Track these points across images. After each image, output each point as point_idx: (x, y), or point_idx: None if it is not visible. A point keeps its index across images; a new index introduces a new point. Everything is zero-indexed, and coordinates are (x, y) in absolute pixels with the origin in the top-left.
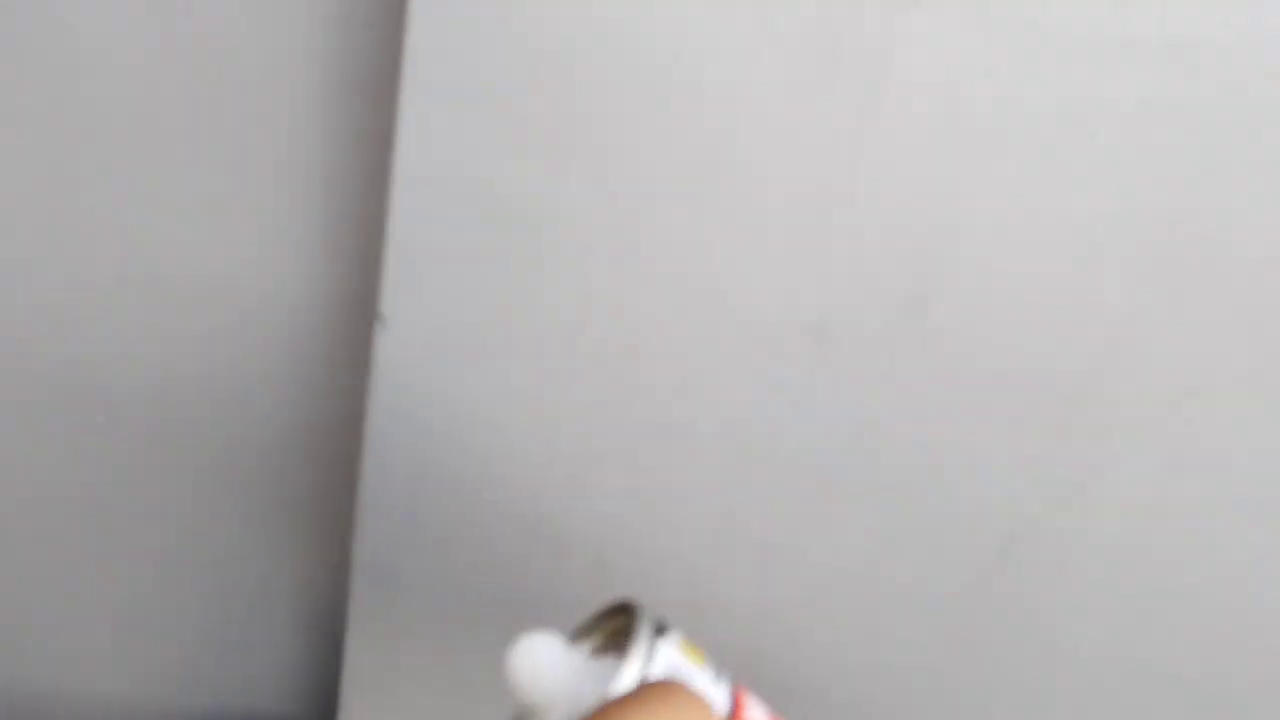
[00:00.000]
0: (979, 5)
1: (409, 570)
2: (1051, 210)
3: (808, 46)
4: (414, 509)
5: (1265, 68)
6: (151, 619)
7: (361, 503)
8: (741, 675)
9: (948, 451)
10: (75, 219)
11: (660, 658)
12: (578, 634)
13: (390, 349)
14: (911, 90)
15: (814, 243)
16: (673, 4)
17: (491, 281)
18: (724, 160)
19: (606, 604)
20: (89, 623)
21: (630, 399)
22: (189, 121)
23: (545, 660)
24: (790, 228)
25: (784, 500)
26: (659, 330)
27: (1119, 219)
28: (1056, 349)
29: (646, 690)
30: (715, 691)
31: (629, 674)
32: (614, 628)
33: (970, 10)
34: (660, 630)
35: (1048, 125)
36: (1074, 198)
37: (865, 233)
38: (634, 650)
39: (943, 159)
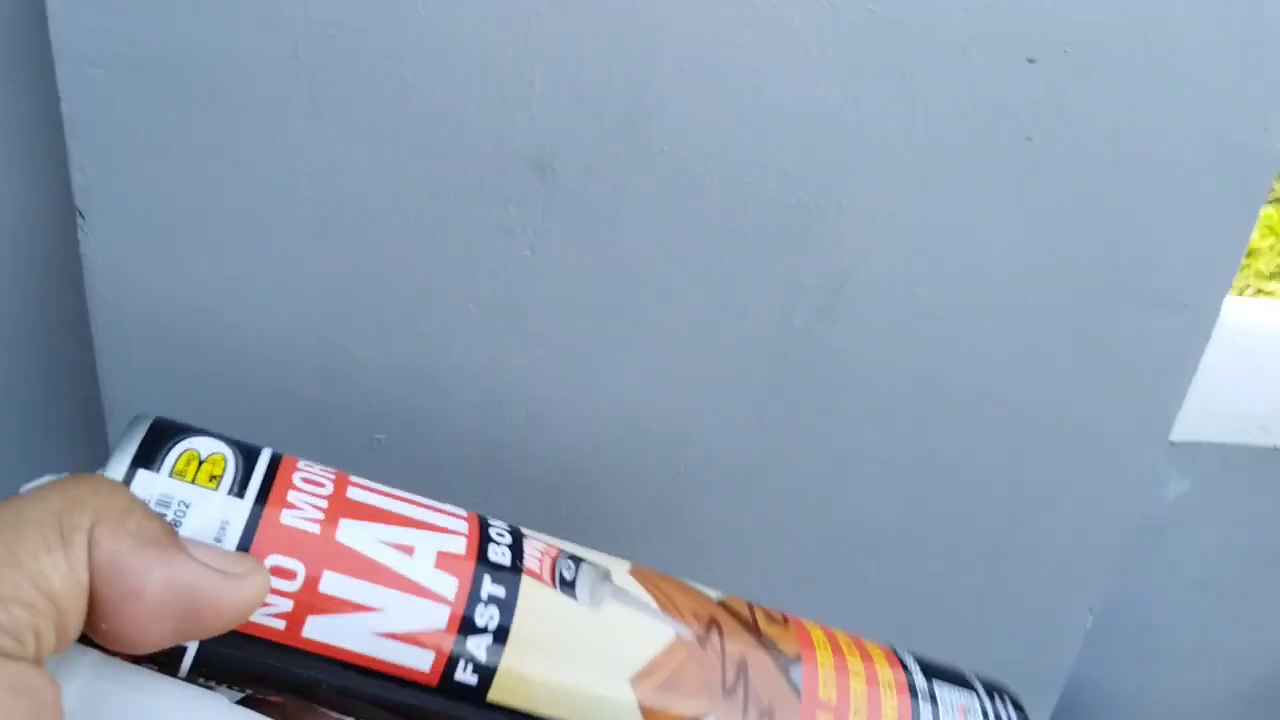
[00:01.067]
0: None
1: None
2: (759, 10)
3: None
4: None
5: None
6: None
7: (107, 410)
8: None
9: (699, 276)
10: None
11: (141, 487)
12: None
13: (97, 245)
14: None
15: (517, 69)
16: None
17: (188, 155)
18: None
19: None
20: None
21: (365, 266)
22: None
23: None
24: (490, 55)
25: (548, 352)
26: (377, 187)
27: (827, 11)
28: (786, 154)
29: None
30: (228, 507)
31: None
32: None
33: None
34: (145, 460)
35: None
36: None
37: (569, 54)
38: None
39: None
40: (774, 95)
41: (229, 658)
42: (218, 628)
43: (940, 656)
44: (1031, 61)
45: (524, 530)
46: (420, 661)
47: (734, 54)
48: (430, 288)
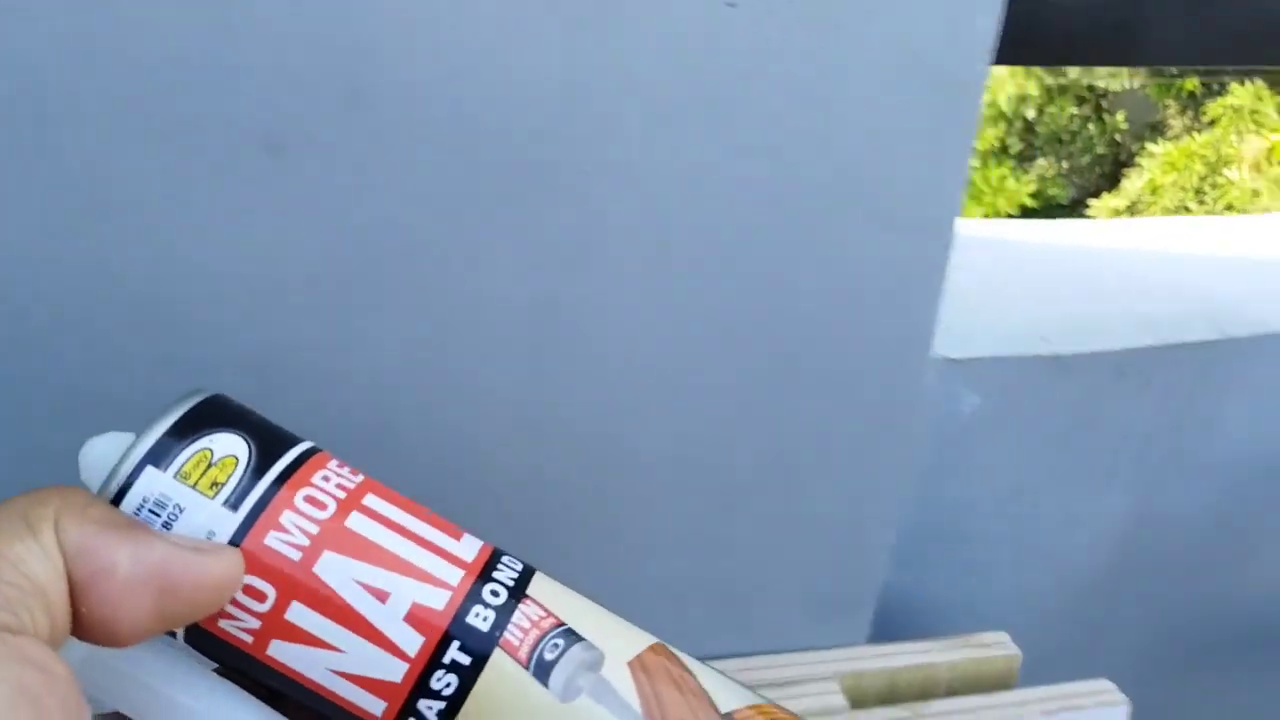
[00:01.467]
0: None
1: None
2: None
3: None
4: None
5: None
6: None
7: None
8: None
9: (451, 238)
10: None
11: (145, 485)
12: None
13: None
14: None
15: (235, 53)
16: None
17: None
18: None
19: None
20: None
21: (120, 255)
22: None
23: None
24: (204, 41)
25: (312, 327)
26: (113, 180)
27: None
28: (512, 115)
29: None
30: (218, 518)
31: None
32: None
33: None
34: (157, 456)
35: None
36: None
37: (282, 33)
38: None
39: None
40: (490, 59)
41: (209, 653)
42: (198, 604)
43: None
44: (731, 5)
45: (532, 584)
46: (372, 706)
47: (446, 20)
48: (193, 273)
